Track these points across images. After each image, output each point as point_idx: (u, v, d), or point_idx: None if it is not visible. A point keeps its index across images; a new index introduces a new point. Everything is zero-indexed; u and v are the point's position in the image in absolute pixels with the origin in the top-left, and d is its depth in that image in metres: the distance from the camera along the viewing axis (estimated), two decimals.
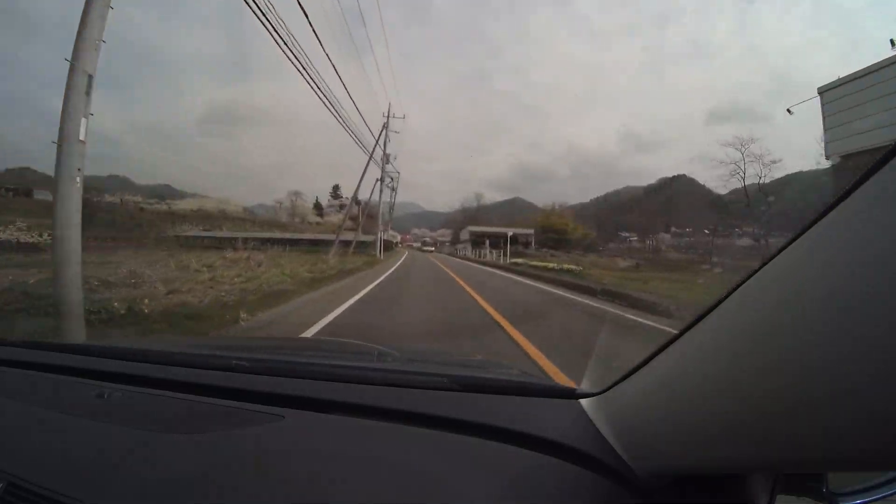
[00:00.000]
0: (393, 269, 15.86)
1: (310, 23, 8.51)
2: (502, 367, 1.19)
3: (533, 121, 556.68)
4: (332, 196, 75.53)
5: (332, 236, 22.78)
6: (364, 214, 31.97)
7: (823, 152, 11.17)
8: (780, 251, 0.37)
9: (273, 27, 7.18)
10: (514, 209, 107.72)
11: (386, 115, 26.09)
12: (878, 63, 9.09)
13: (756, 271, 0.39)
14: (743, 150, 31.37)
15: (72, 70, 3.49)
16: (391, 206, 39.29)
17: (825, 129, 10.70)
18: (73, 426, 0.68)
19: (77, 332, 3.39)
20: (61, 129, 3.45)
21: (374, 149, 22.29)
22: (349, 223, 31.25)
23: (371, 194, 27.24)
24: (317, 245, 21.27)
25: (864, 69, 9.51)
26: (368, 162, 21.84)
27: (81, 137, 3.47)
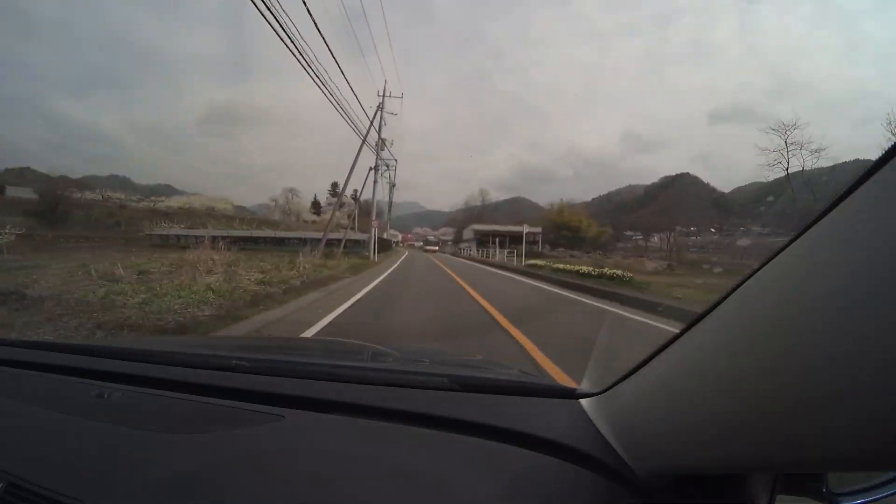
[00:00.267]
0: (383, 276, 11.59)
1: (308, 11, 8.46)
2: (502, 367, 1.16)
3: (534, 120, 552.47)
4: (330, 193, 73.10)
5: (321, 235, 19.65)
6: (358, 207, 27.58)
7: None
8: (780, 251, 0.36)
9: (267, 6, 7.42)
10: (517, 208, 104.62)
11: (381, 94, 21.66)
12: None
13: (756, 271, 0.38)
14: (786, 136, 28.99)
15: None
16: (389, 201, 35.89)
17: None
18: (73, 426, 0.68)
19: None
20: None
21: (367, 130, 18.55)
22: (341, 218, 27.96)
23: (363, 185, 22.82)
24: (305, 244, 18.45)
25: None
26: (362, 145, 18.27)
27: None
